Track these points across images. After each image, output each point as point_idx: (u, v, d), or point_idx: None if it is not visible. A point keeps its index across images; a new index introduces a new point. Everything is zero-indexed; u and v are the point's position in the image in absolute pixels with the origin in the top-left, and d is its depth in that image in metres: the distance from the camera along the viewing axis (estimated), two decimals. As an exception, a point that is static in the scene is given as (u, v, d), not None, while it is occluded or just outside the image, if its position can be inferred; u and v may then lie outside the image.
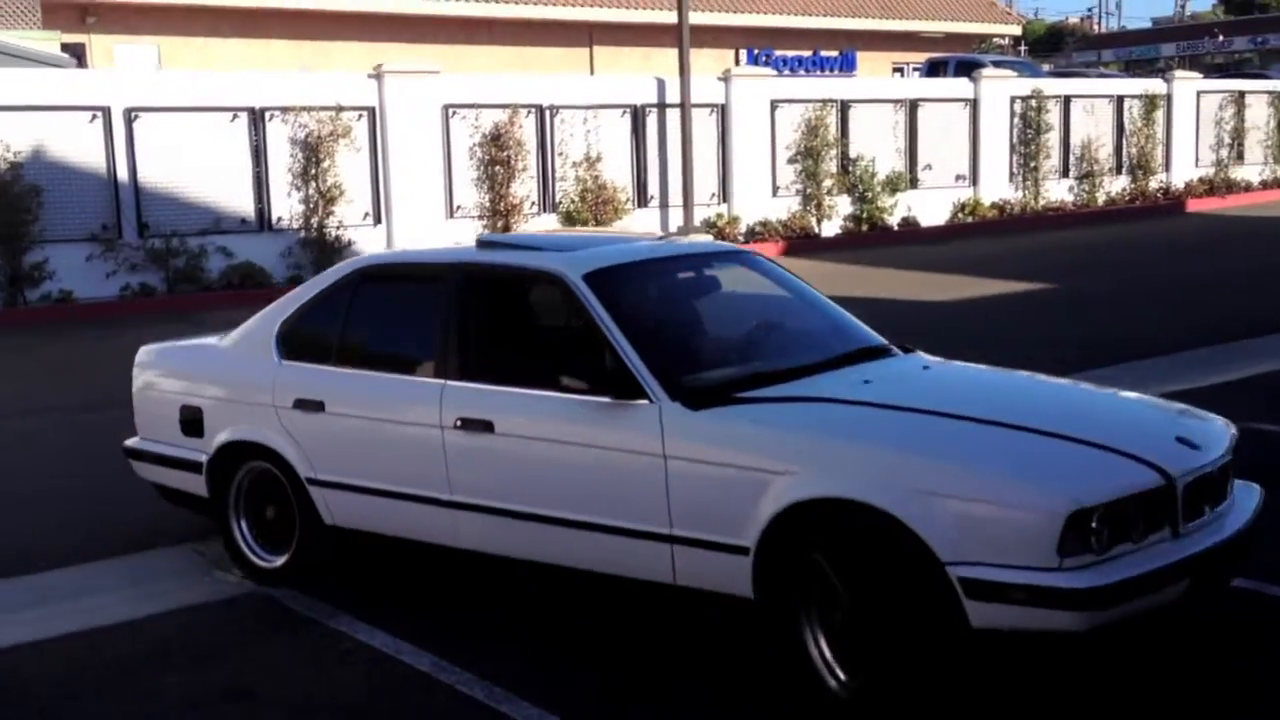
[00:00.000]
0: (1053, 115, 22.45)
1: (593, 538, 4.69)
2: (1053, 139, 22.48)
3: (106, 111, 15.41)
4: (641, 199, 19.01)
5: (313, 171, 16.35)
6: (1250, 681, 4.41)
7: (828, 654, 4.19)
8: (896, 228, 20.39)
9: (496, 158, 17.51)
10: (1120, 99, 23.59)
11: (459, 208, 17.57)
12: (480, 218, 17.54)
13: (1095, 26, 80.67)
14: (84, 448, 8.59)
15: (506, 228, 17.25)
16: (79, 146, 15.30)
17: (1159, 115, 23.70)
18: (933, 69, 28.67)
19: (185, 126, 15.83)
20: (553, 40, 30.06)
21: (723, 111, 19.63)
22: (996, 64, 25.26)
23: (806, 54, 34.03)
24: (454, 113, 17.47)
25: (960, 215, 21.27)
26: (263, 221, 16.38)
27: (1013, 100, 22.12)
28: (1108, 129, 23.29)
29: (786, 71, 30.58)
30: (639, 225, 18.09)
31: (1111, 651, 4.49)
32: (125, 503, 7.02)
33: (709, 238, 17.28)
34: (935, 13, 35.48)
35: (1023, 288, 14.38)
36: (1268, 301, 12.46)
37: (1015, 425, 4.26)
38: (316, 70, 22.39)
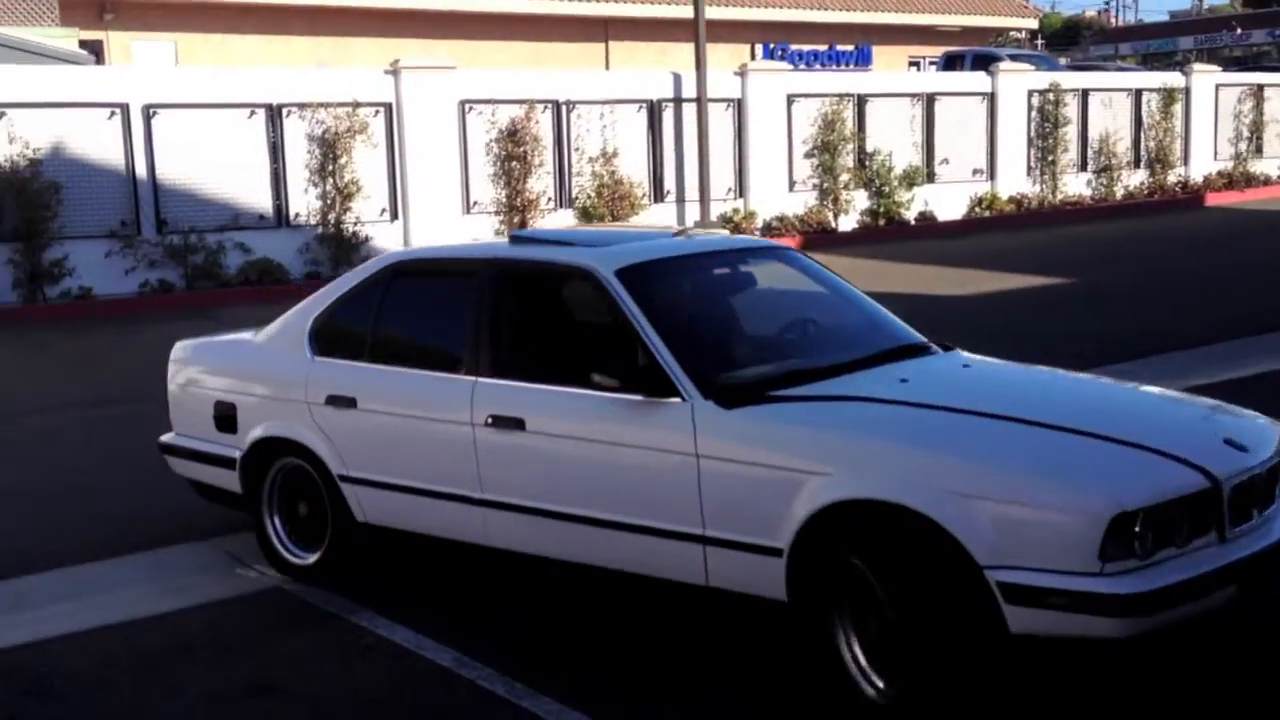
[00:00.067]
0: (1070, 109, 22.35)
1: (624, 538, 4.64)
2: (1070, 133, 22.38)
3: (125, 108, 15.47)
4: (658, 194, 19.01)
5: (330, 167, 16.39)
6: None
7: (862, 659, 4.12)
8: (913, 222, 20.35)
9: (513, 153, 17.52)
10: (1138, 92, 23.48)
11: (476, 203, 17.60)
12: (497, 213, 17.57)
13: (1112, 20, 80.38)
14: (105, 443, 8.66)
15: (523, 223, 17.27)
16: (98, 143, 15.36)
17: (1177, 109, 23.57)
18: (949, 63, 28.58)
19: (203, 123, 15.88)
20: (568, 35, 30.07)
21: (739, 106, 19.61)
22: (1014, 57, 25.17)
23: (822, 48, 33.97)
24: (470, 108, 17.50)
25: (977, 209, 21.20)
26: (280, 218, 16.43)
27: (1030, 94, 22.03)
28: (1126, 123, 23.19)
29: (802, 66, 30.55)
30: (655, 221, 18.10)
31: (1154, 659, 4.40)
32: (149, 498, 7.09)
33: (725, 233, 17.26)
34: (951, 6, 35.38)
35: (1040, 282, 14.33)
36: (1288, 296, 12.40)
37: (1057, 425, 4.17)
38: (333, 66, 22.50)
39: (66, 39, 22.25)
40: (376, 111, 16.87)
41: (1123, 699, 4.25)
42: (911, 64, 34.69)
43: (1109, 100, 23.00)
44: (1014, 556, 3.77)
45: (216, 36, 26.63)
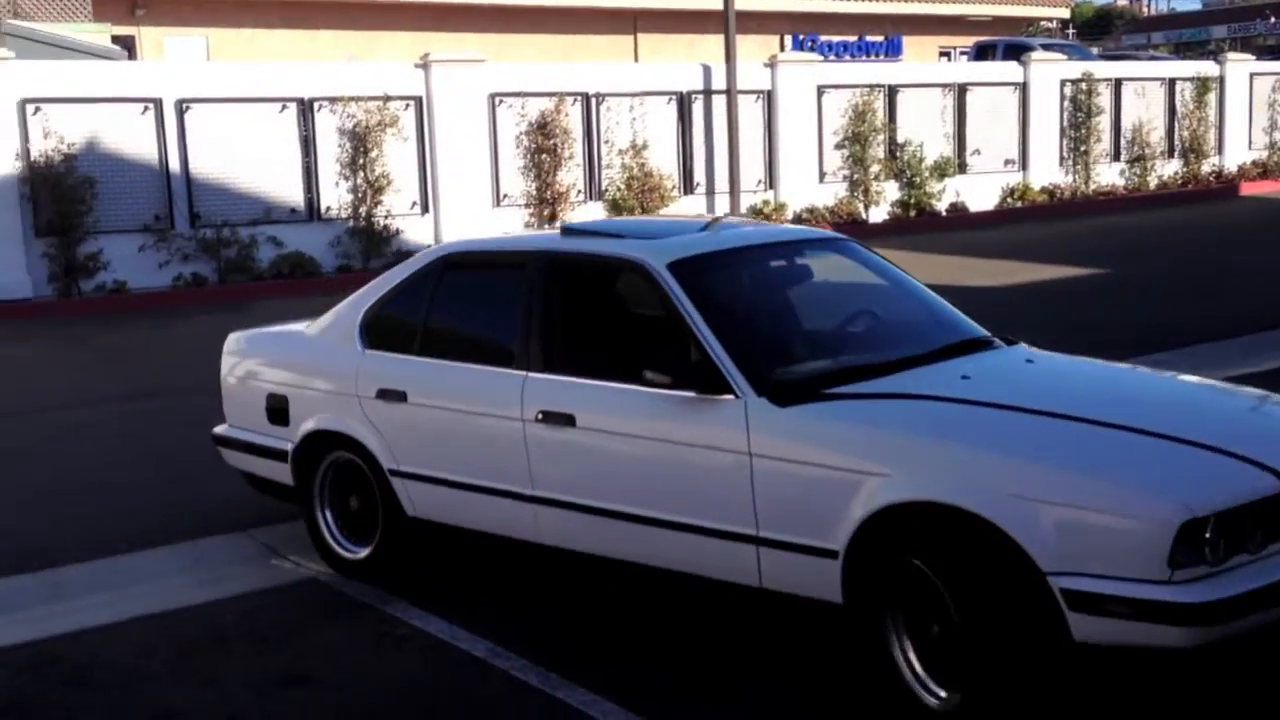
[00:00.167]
0: (1103, 99, 22.18)
1: (676, 537, 4.54)
2: (1103, 122, 22.21)
3: (158, 103, 15.56)
4: (688, 186, 18.98)
5: (361, 161, 16.43)
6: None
7: (917, 664, 4.02)
8: (945, 213, 20.24)
9: (543, 146, 17.53)
10: (1171, 82, 23.29)
11: (506, 196, 17.62)
12: (527, 206, 17.58)
13: (1144, 9, 79.71)
14: (141, 437, 8.71)
15: (553, 216, 17.29)
16: (131, 138, 15.45)
17: (1211, 98, 23.37)
18: (980, 53, 28.39)
19: (235, 117, 15.96)
20: (597, 28, 30.07)
21: (769, 98, 19.55)
22: (1046, 47, 24.98)
23: (852, 39, 33.83)
24: (500, 101, 17.52)
25: (1009, 200, 21.07)
26: (312, 211, 16.49)
27: (1062, 84, 21.88)
28: (1159, 112, 23.00)
29: (832, 57, 30.44)
30: (685, 213, 18.07)
31: (1226, 669, 4.24)
32: (183, 492, 7.14)
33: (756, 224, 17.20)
34: (982, -4, 35.18)
35: (1073, 273, 14.24)
36: (1325, 286, 12.29)
37: (1123, 425, 4.04)
38: (364, 60, 22.57)
39: (99, 34, 22.41)
40: (407, 105, 16.91)
41: (1191, 710, 4.13)
42: (942, 54, 34.52)
43: (1142, 90, 22.82)
44: (1079, 562, 3.66)
45: (247, 31, 26.77)
